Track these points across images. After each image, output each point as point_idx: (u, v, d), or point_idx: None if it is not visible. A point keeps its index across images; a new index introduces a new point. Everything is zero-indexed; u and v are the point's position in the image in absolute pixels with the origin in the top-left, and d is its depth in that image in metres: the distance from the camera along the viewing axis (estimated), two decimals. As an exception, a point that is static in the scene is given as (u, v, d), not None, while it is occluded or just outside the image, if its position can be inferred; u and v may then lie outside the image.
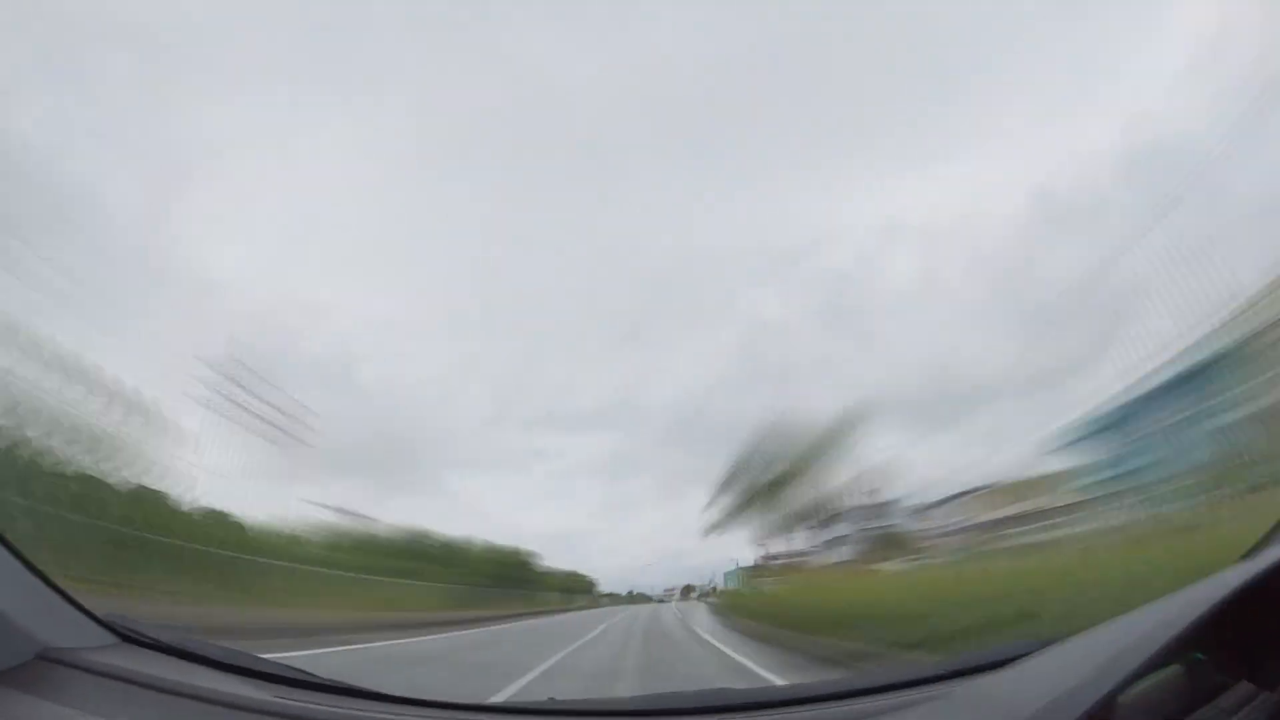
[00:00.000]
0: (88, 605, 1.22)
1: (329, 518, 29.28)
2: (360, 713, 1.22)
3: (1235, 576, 0.67)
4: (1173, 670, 0.78)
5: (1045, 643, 0.84)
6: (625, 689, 6.67)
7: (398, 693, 1.36)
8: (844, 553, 22.74)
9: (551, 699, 1.58)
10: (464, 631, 14.96)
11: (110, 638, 1.21)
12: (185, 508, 18.70)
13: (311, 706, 1.19)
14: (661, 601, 70.38)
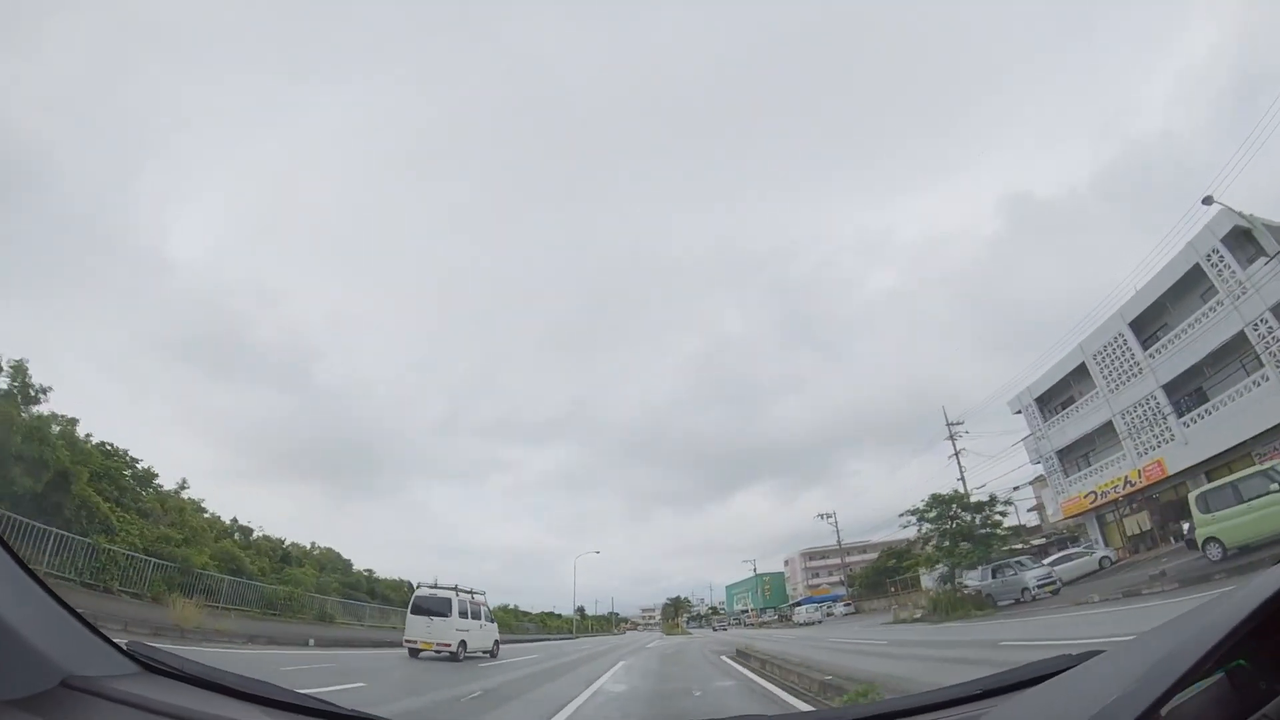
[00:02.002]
0: (110, 634, 1.23)
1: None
2: None
3: (1276, 578, 0.64)
4: (1216, 679, 0.74)
5: (1080, 657, 0.81)
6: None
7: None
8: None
9: None
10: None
11: (132, 666, 1.21)
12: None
13: None
14: (716, 629, 68.56)
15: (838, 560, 64.32)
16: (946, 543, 26.81)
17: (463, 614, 16.34)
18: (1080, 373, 31.54)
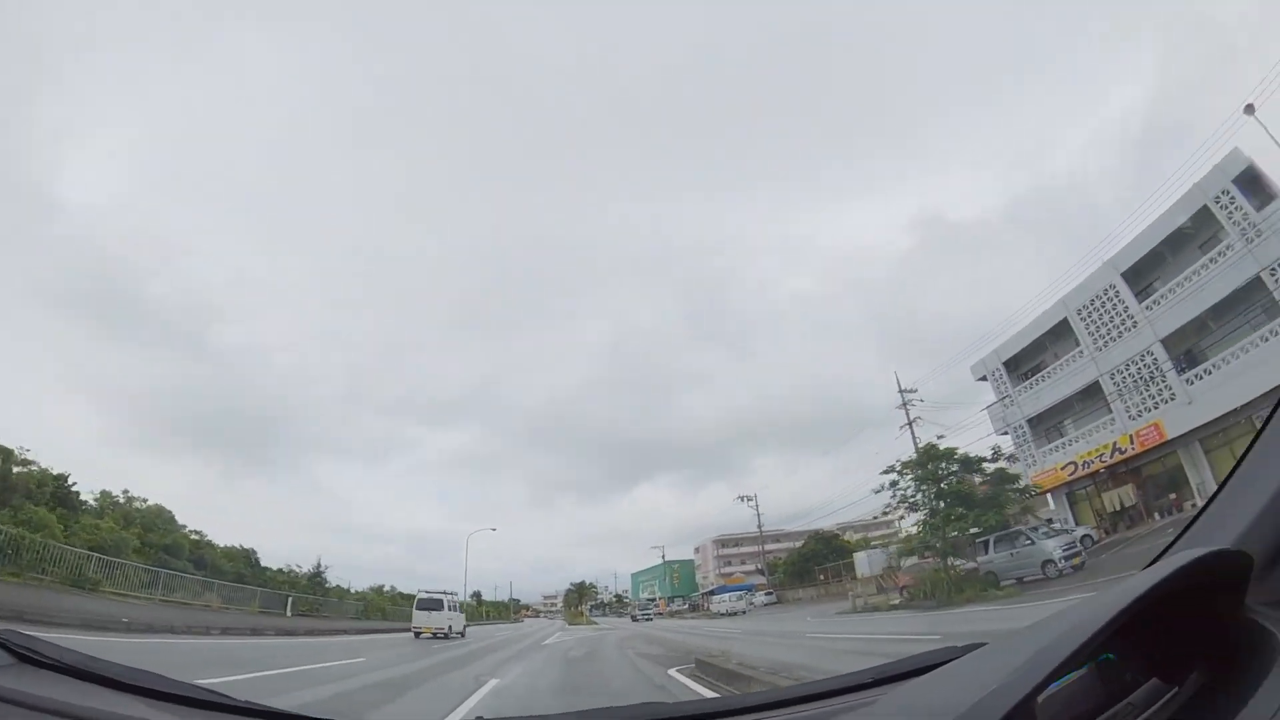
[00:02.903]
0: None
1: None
2: None
3: (1140, 582, 0.70)
4: (1086, 671, 0.81)
5: (966, 649, 0.87)
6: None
7: (313, 714, 1.29)
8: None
9: (480, 718, 1.54)
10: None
11: (6, 658, 1.12)
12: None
13: None
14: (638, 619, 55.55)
15: (753, 548, 62.56)
16: (943, 504, 22.22)
17: (451, 608, 24.34)
18: (1058, 333, 28.47)
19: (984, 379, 32.78)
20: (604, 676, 9.15)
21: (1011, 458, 25.95)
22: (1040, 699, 0.66)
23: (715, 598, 54.70)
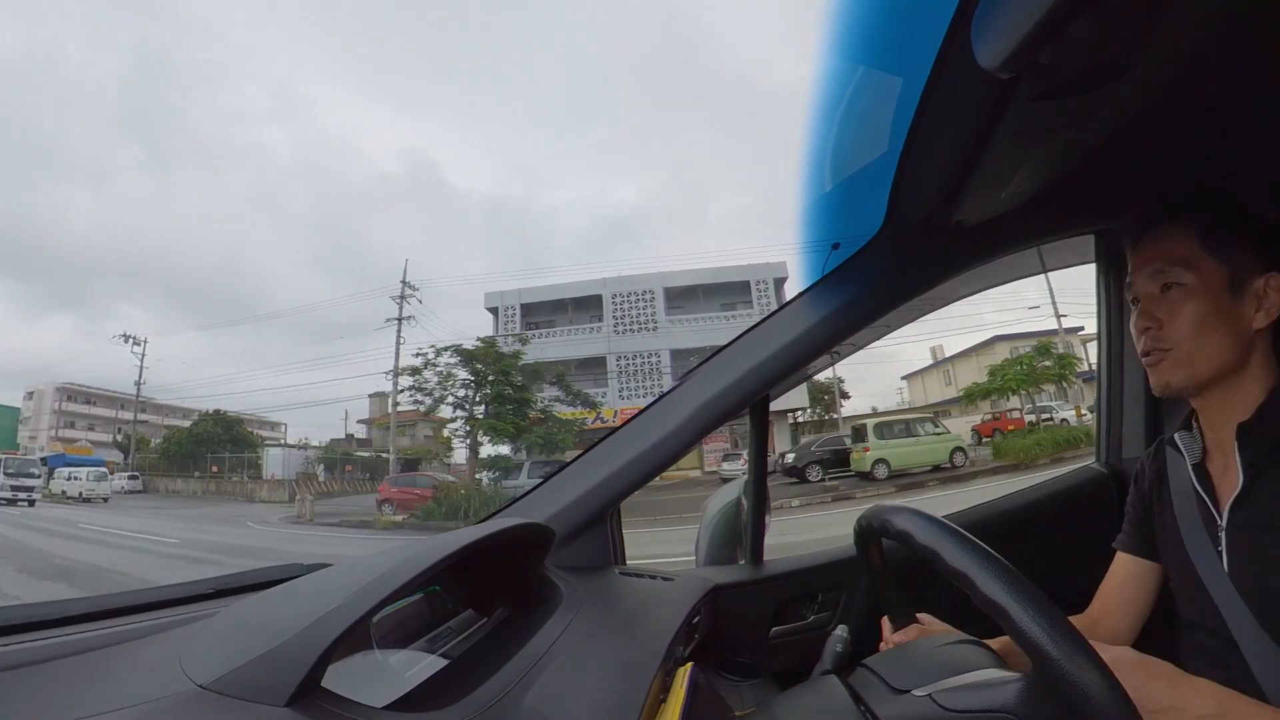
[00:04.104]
0: None
1: None
2: None
3: (471, 532, 0.88)
4: (418, 598, 0.96)
5: (311, 567, 0.93)
6: None
7: None
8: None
9: None
10: None
11: None
12: None
13: None
14: None
15: (111, 412, 45.54)
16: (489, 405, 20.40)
17: None
18: (585, 305, 32.45)
19: (494, 310, 33.20)
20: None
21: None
22: (376, 619, 0.77)
23: (56, 473, 30.91)
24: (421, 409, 23.20)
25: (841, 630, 0.95)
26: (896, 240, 1.25)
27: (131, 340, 37.02)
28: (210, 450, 35.93)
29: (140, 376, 38.18)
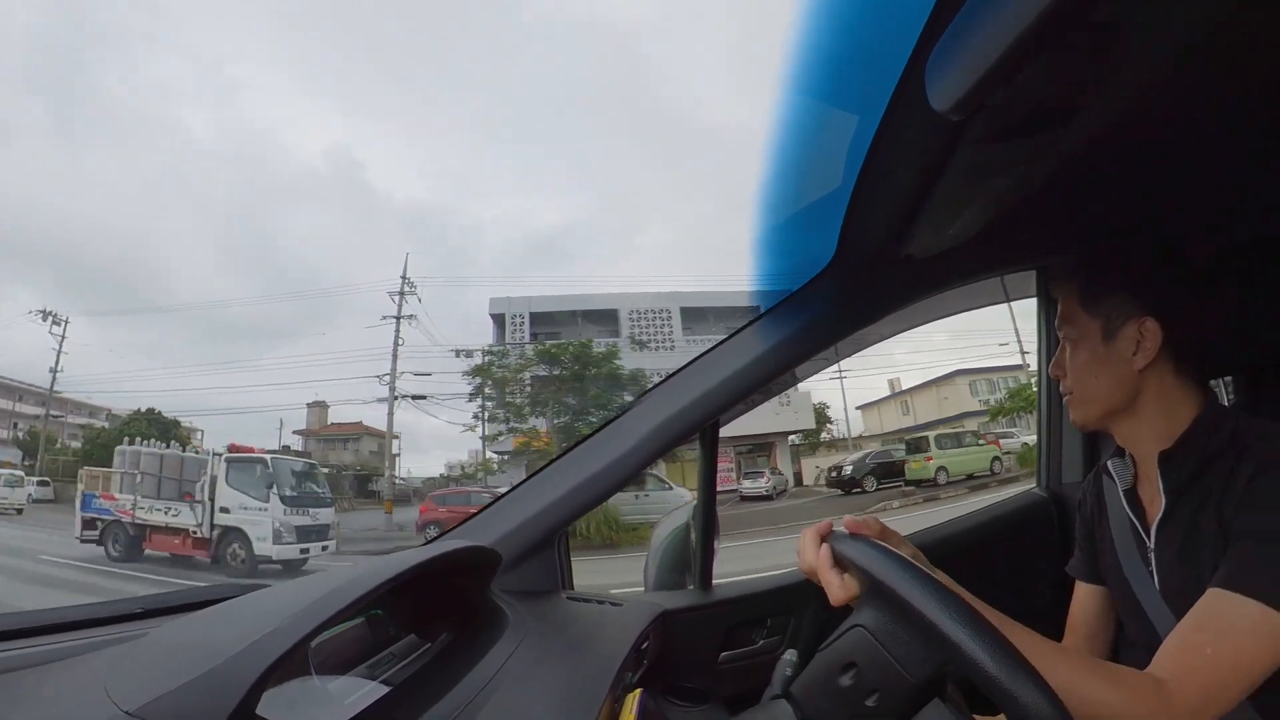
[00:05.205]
0: None
1: None
2: None
3: (415, 555, 0.86)
4: (359, 622, 0.93)
5: (247, 588, 0.90)
6: None
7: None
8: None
9: None
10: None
11: None
12: None
13: None
14: None
15: (7, 403, 33.41)
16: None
17: None
18: (597, 319, 31.35)
19: (499, 317, 31.53)
20: None
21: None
22: (315, 643, 0.74)
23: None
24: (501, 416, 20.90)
25: (790, 654, 0.96)
26: (847, 272, 1.29)
27: (51, 318, 30.09)
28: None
29: (58, 363, 30.92)
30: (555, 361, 20.09)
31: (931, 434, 22.96)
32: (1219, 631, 0.77)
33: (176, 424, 32.38)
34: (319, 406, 36.90)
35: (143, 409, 32.05)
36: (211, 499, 12.56)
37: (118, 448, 14.18)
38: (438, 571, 0.93)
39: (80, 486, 13.96)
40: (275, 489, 12.59)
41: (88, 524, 13.35)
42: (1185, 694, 0.75)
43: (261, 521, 12.31)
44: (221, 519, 12.40)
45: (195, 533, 12.47)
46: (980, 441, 22.46)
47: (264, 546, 12.16)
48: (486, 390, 20.28)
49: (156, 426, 30.20)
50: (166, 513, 12.77)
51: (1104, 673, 0.80)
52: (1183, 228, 1.25)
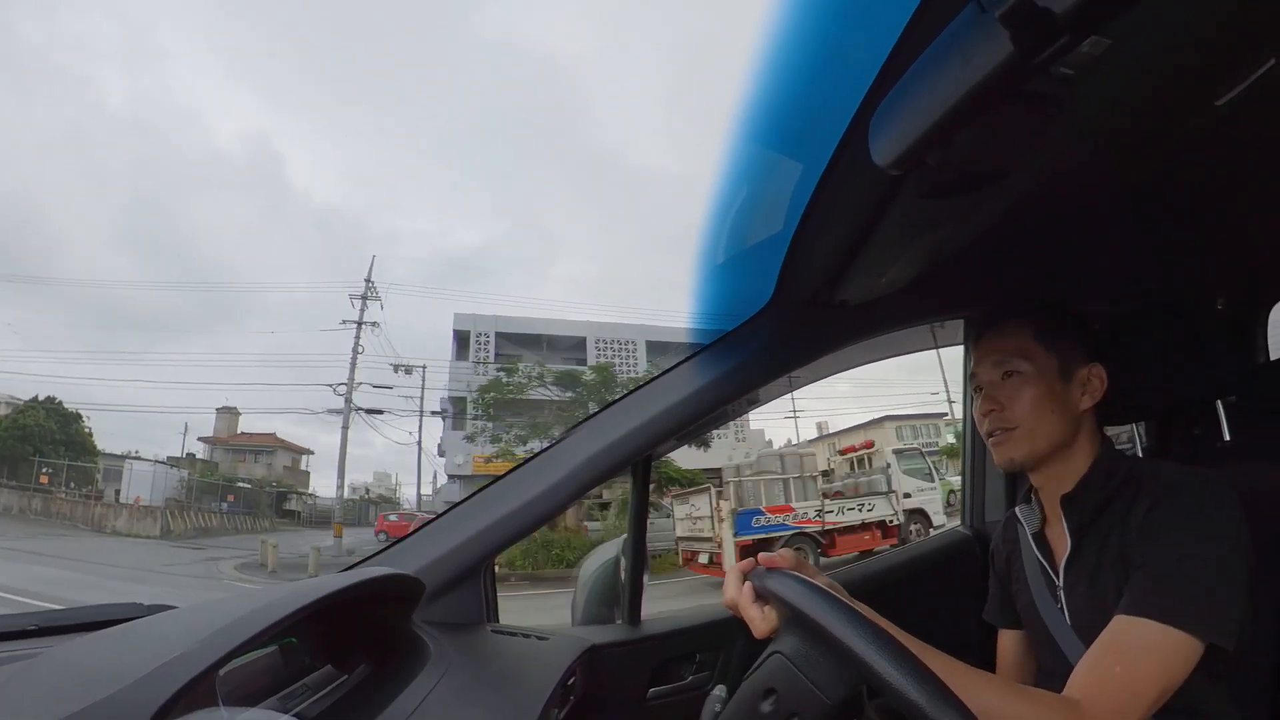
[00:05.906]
0: None
1: None
2: None
3: (333, 581, 0.83)
4: (271, 651, 0.88)
5: (153, 609, 0.85)
6: None
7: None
8: None
9: None
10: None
11: None
12: None
13: None
14: None
15: None
16: None
17: None
18: (559, 345, 31.06)
19: (463, 334, 30.58)
20: None
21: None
22: (223, 671, 0.70)
23: None
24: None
25: (720, 690, 0.96)
26: (783, 314, 1.32)
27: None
28: (38, 453, 25.17)
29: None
30: (575, 384, 19.57)
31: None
32: (1125, 651, 0.82)
33: (78, 417, 28.97)
34: (229, 412, 34.33)
35: (40, 397, 28.67)
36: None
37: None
38: (357, 599, 0.89)
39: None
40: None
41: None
42: (1098, 710, 0.79)
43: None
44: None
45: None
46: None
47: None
48: (485, 408, 19.53)
49: (56, 419, 27.75)
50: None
51: (1019, 694, 0.83)
52: (1088, 291, 1.38)
